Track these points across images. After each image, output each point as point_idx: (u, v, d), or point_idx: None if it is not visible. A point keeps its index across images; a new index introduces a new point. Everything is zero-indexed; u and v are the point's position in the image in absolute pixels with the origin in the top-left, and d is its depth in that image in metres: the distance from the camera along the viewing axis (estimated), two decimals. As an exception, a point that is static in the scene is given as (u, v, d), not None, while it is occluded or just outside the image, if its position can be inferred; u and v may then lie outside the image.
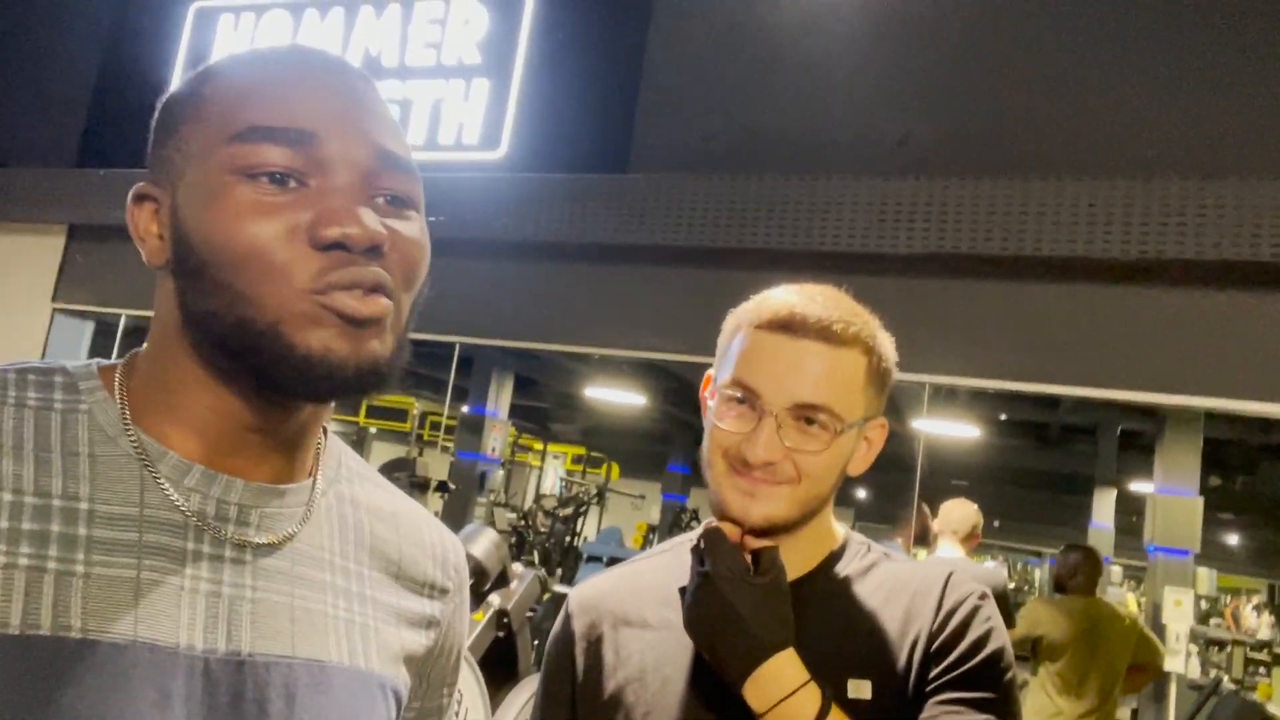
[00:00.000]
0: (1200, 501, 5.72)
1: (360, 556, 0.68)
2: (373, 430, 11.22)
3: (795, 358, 0.89)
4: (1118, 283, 2.56)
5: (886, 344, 0.95)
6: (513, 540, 8.12)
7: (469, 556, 3.01)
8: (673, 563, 1.01)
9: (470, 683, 2.25)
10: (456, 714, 0.81)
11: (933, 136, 2.82)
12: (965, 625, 0.90)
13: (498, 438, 8.28)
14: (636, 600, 1.00)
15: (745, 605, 0.85)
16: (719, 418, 0.92)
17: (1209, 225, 2.38)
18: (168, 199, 0.60)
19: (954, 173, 2.64)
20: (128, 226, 0.63)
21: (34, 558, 0.53)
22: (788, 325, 0.90)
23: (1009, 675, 0.89)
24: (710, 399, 0.96)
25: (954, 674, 0.87)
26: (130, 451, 0.59)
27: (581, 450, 13.93)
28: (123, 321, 4.68)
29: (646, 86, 3.22)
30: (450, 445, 8.91)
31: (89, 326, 4.71)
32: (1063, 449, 9.29)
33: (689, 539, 1.02)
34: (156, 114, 0.64)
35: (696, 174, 2.93)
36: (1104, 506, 8.85)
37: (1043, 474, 10.59)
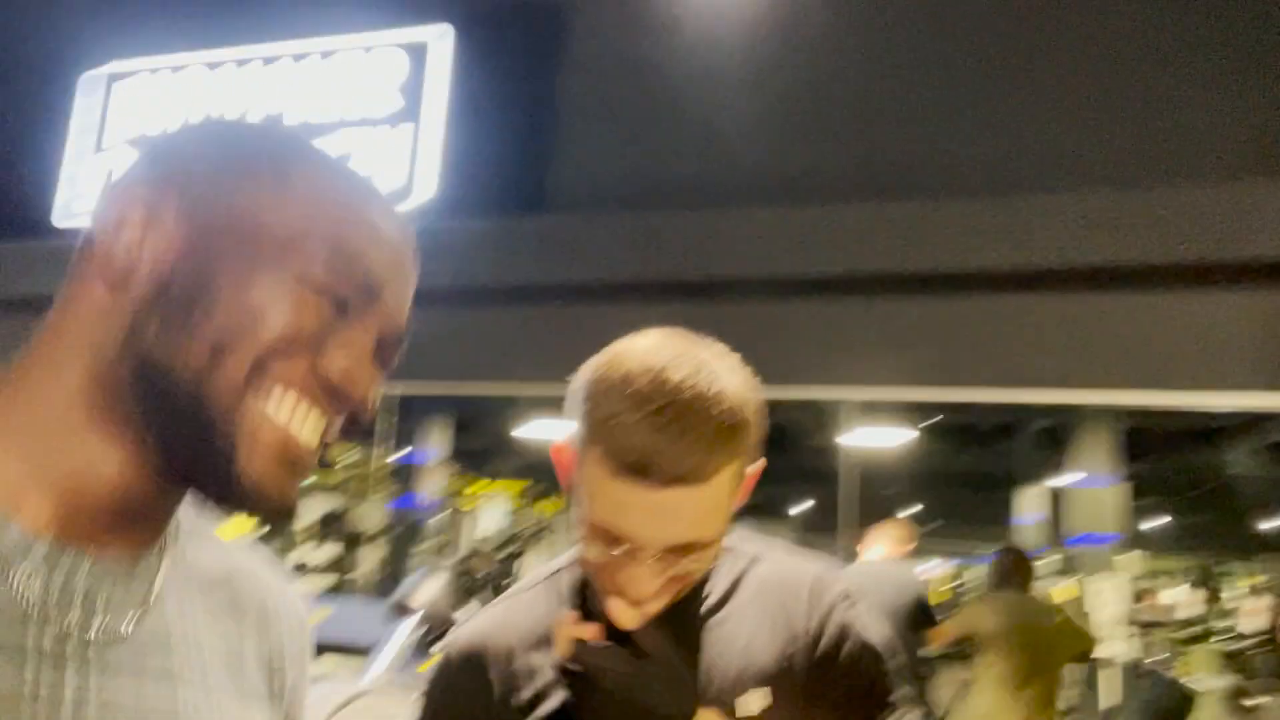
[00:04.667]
0: (1118, 490, 5.97)
1: (200, 634, 0.60)
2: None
3: (661, 508, 0.80)
4: (1021, 290, 2.71)
5: (746, 404, 0.84)
6: (460, 585, 7.99)
7: (413, 607, 2.97)
8: (538, 600, 0.99)
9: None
10: None
11: (837, 165, 2.95)
12: (843, 634, 0.92)
13: (433, 484, 8.17)
14: (519, 642, 0.96)
15: (645, 694, 0.82)
16: (589, 544, 0.86)
17: (1100, 233, 2.55)
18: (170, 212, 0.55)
19: (857, 197, 2.77)
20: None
21: None
22: (644, 473, 0.79)
23: (894, 665, 0.94)
24: (568, 477, 0.90)
25: (853, 687, 0.91)
26: None
27: (525, 483, 13.78)
28: None
29: (562, 129, 3.29)
30: (383, 494, 8.75)
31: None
32: (986, 449, 9.57)
33: (553, 571, 1.01)
34: None
35: (613, 212, 3.01)
36: (1027, 502, 9.15)
37: (969, 475, 10.87)
